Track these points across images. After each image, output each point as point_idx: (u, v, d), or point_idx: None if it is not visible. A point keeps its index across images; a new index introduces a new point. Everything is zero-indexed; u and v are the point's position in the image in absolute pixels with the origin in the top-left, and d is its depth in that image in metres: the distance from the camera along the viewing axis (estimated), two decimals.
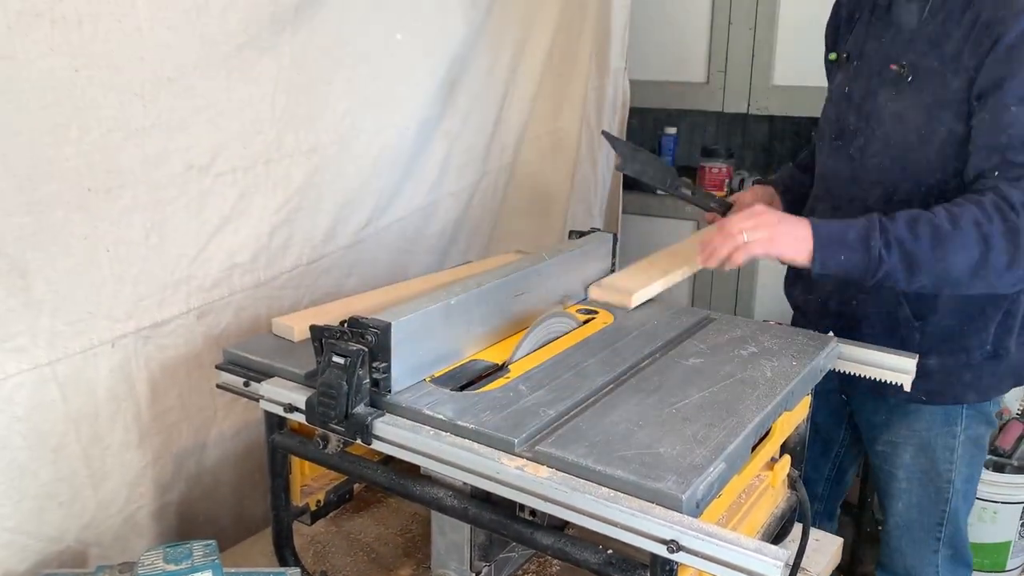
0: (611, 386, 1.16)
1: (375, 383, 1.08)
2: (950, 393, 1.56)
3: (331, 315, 1.28)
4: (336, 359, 1.06)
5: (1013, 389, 1.63)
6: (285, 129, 1.49)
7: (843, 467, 1.88)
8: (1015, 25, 1.33)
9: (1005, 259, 1.31)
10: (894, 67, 1.50)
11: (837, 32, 1.71)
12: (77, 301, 1.23)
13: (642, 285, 1.48)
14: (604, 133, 1.72)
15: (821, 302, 1.67)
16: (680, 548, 0.86)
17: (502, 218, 2.23)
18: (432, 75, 1.82)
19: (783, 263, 1.41)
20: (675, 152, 3.16)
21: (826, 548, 1.43)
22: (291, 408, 1.13)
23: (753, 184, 1.87)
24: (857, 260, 1.33)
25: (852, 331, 1.50)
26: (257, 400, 1.18)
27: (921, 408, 1.59)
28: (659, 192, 1.73)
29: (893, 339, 1.51)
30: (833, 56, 1.67)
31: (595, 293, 1.51)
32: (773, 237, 1.36)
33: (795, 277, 1.78)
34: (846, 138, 1.59)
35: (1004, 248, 1.30)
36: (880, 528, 2.84)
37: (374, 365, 1.07)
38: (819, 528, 1.81)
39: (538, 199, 2.35)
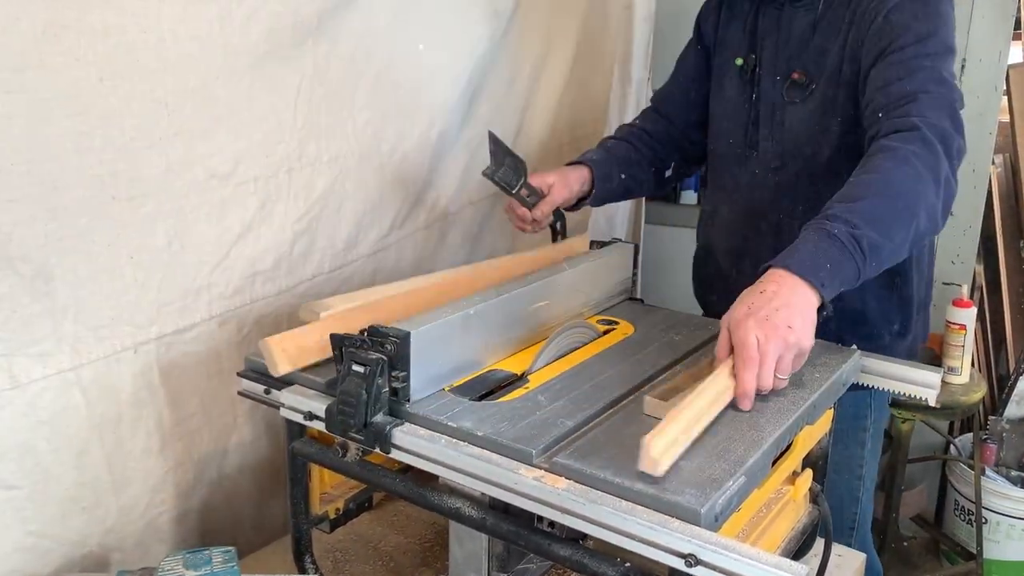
0: (630, 398, 1.15)
1: (394, 392, 1.08)
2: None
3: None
4: (356, 368, 1.06)
5: None
6: (307, 138, 1.50)
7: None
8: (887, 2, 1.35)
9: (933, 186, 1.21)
10: (796, 75, 1.48)
11: (710, 26, 1.65)
12: (100, 307, 1.24)
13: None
14: (492, 133, 1.57)
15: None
16: (698, 562, 0.85)
17: None
18: (454, 85, 1.83)
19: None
20: None
21: (849, 564, 1.41)
22: (311, 416, 1.13)
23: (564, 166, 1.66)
24: (837, 255, 1.12)
25: None
26: (278, 408, 1.19)
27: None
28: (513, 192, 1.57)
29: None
30: (740, 61, 1.58)
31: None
32: (791, 324, 1.08)
33: (701, 280, 1.73)
34: (753, 148, 1.56)
35: (930, 164, 1.21)
36: (906, 544, 2.80)
37: (393, 374, 1.07)
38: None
39: None
